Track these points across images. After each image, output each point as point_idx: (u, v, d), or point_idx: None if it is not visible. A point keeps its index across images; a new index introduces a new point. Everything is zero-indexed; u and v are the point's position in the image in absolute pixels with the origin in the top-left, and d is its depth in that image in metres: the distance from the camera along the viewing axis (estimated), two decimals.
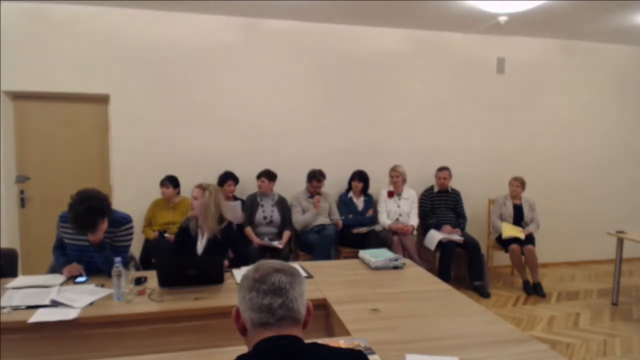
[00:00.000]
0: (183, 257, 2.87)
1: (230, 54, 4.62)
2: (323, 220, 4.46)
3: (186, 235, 2.97)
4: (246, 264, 2.83)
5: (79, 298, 2.22)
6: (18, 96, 4.32)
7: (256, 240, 4.22)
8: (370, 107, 5.00)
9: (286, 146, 4.81)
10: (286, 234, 4.37)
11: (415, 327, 1.98)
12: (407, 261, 3.03)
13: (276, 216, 4.41)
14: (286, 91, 4.79)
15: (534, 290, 4.53)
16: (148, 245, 4.21)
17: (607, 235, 4.37)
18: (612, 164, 5.73)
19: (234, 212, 4.11)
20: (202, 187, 2.91)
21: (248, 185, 4.61)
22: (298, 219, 4.45)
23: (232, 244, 2.96)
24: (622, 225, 4.63)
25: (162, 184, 4.26)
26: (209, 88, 4.60)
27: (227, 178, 4.40)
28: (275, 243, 4.21)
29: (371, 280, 2.69)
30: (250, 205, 4.43)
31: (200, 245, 2.92)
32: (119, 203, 4.05)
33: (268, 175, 4.41)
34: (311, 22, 4.75)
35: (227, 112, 4.66)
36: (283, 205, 4.50)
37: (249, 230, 4.33)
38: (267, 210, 4.41)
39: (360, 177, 4.70)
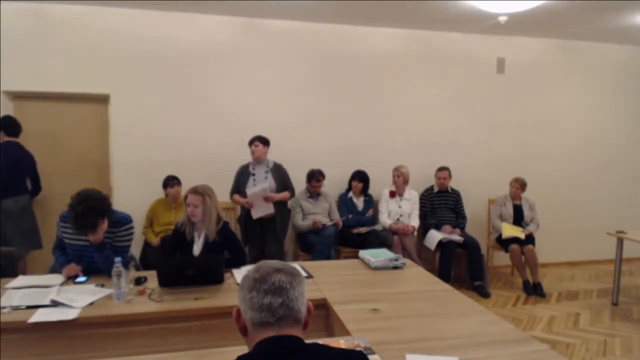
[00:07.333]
0: (183, 257, 2.84)
1: (230, 54, 4.62)
2: (323, 220, 4.46)
3: (181, 241, 2.89)
4: (243, 264, 2.83)
5: (79, 298, 2.22)
6: (18, 96, 4.32)
7: (242, 201, 4.03)
8: (370, 107, 5.00)
9: (286, 146, 4.79)
10: (284, 194, 4.16)
11: (415, 327, 1.98)
12: (407, 261, 3.03)
13: (272, 184, 4.12)
14: (286, 91, 4.79)
15: (534, 290, 4.53)
16: (148, 249, 4.20)
17: (607, 235, 4.36)
18: (612, 164, 5.73)
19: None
20: (198, 193, 2.78)
21: None
22: (298, 223, 4.44)
23: (229, 244, 2.93)
24: (622, 225, 4.63)
25: (171, 183, 4.25)
26: (209, 88, 4.60)
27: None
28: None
29: (371, 280, 2.69)
30: (241, 176, 4.20)
31: (197, 248, 2.88)
32: (119, 203, 4.04)
33: (261, 140, 4.16)
34: (311, 22, 4.75)
35: (227, 111, 4.66)
36: (279, 172, 4.22)
37: (236, 196, 4.10)
38: (260, 179, 4.13)
39: (360, 177, 4.69)
